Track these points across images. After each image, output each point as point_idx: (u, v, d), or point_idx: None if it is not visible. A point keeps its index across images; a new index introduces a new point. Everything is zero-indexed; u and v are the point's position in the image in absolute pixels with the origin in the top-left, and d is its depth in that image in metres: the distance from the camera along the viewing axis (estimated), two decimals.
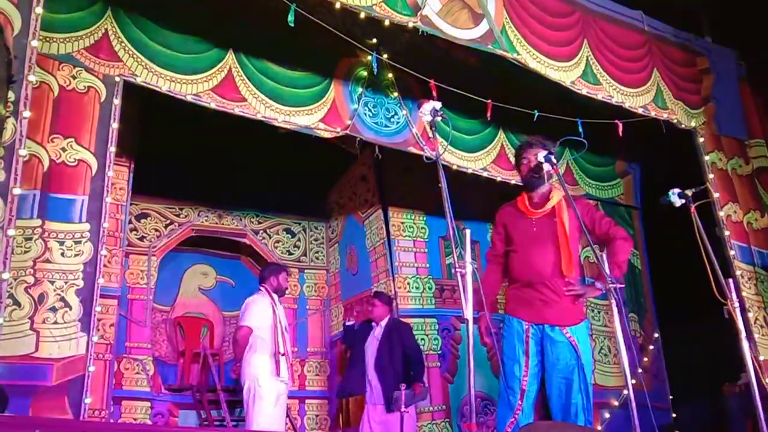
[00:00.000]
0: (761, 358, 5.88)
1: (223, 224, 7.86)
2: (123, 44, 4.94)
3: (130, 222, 7.10)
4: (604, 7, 6.41)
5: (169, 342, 7.49)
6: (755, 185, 6.92)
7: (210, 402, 6.89)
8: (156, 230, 7.46)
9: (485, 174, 6.44)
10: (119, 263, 5.80)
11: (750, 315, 6.07)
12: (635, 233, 7.31)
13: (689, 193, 4.14)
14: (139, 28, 5.04)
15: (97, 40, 4.85)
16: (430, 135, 4.58)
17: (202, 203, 7.77)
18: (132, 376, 6.58)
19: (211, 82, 5.22)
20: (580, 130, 5.73)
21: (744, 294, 6.11)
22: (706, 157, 6.65)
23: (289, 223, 8.29)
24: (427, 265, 7.17)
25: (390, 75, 6.04)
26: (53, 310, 4.19)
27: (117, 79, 4.83)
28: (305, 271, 8.20)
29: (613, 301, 3.42)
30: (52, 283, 4.24)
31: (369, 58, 5.57)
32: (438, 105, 3.50)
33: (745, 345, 3.94)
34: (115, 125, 4.71)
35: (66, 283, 4.28)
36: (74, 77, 4.68)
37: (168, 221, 7.57)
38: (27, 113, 3.92)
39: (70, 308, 4.24)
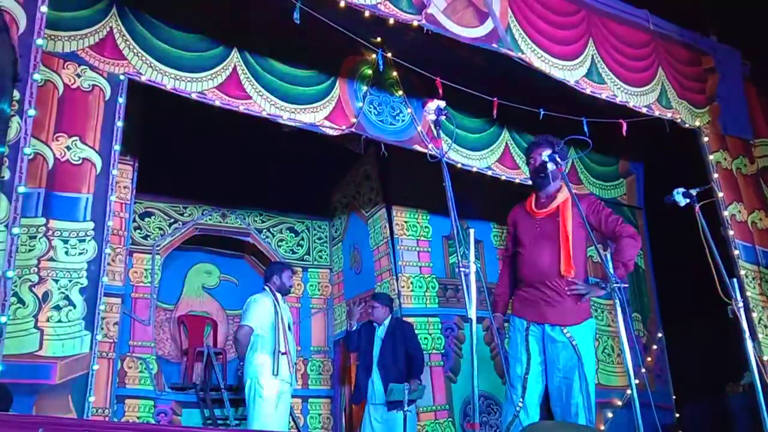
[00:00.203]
0: (765, 357, 5.87)
1: (226, 223, 7.87)
2: (128, 42, 4.94)
3: (134, 220, 7.10)
4: (610, 5, 6.39)
5: (172, 341, 7.50)
6: (760, 185, 6.90)
7: (213, 401, 6.89)
8: (160, 229, 7.46)
9: (489, 173, 6.44)
10: (123, 262, 5.81)
11: (754, 315, 6.07)
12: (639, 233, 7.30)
13: (694, 192, 4.13)
14: (143, 26, 5.05)
15: (102, 38, 4.86)
16: (435, 133, 4.57)
17: (205, 202, 7.77)
18: (135, 374, 6.58)
19: (215, 79, 5.23)
20: (585, 129, 5.72)
21: (748, 294, 6.10)
22: (711, 157, 6.64)
23: (293, 221, 8.28)
24: (431, 265, 7.16)
25: (395, 73, 6.04)
26: (57, 308, 4.20)
27: (122, 77, 4.84)
28: (308, 270, 8.19)
29: (617, 301, 3.41)
30: (56, 281, 4.25)
31: (374, 56, 5.56)
32: (443, 104, 3.49)
33: (748, 345, 3.93)
34: (119, 124, 4.72)
35: (70, 281, 4.29)
36: (79, 75, 4.68)
37: (172, 220, 7.58)
38: (32, 112, 3.92)
39: (74, 307, 4.25)
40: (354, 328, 6.22)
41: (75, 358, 4.16)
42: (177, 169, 7.09)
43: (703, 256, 4.06)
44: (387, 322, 6.04)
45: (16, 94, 3.86)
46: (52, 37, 4.58)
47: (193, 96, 5.09)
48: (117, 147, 4.67)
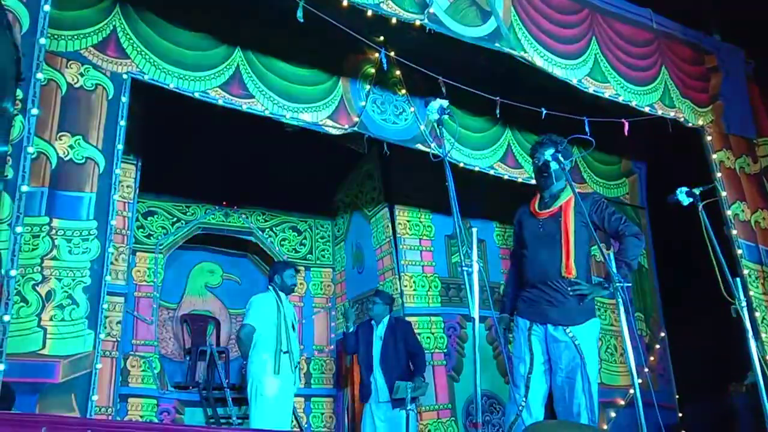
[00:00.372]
0: None
1: (229, 222, 7.88)
2: (131, 41, 4.95)
3: (137, 220, 7.11)
4: (613, 4, 6.38)
5: (175, 339, 7.51)
6: (763, 184, 6.89)
7: (216, 399, 6.90)
8: (163, 228, 7.47)
9: (492, 172, 6.43)
10: (126, 261, 5.81)
11: (757, 314, 6.07)
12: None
13: (697, 191, 4.13)
14: (147, 24, 5.05)
15: (106, 37, 4.87)
16: (438, 133, 4.57)
17: (208, 201, 7.78)
18: (138, 373, 6.58)
19: (218, 78, 5.23)
20: (587, 128, 5.71)
21: (751, 293, 6.09)
22: (714, 156, 6.63)
23: (296, 221, 8.29)
24: (433, 264, 7.15)
25: (398, 72, 6.03)
26: (60, 307, 4.20)
27: (125, 76, 4.84)
28: (311, 269, 8.20)
29: (620, 300, 3.40)
30: (60, 280, 4.25)
31: (376, 55, 5.56)
32: (445, 103, 3.49)
33: (752, 344, 3.93)
34: (122, 123, 4.72)
35: (73, 280, 4.29)
36: (82, 75, 4.69)
37: (175, 219, 7.58)
38: (35, 111, 3.93)
39: (78, 305, 4.26)
40: (351, 330, 6.22)
41: (78, 357, 4.17)
42: (180, 168, 7.10)
43: (706, 255, 4.06)
44: (386, 320, 6.05)
45: (20, 94, 3.87)
46: (56, 36, 4.58)
47: (196, 95, 5.09)
48: (120, 146, 4.68)
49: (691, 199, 4.11)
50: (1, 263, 3.64)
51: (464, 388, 6.66)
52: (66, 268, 4.30)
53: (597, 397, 3.86)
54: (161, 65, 5.02)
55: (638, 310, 7.11)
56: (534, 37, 5.67)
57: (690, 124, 6.59)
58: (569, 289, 3.94)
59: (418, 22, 5.11)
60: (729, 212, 6.41)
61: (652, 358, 6.93)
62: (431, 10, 5.14)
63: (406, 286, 6.87)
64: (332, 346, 7.94)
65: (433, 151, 5.82)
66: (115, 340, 5.47)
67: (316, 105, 5.61)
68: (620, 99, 6.10)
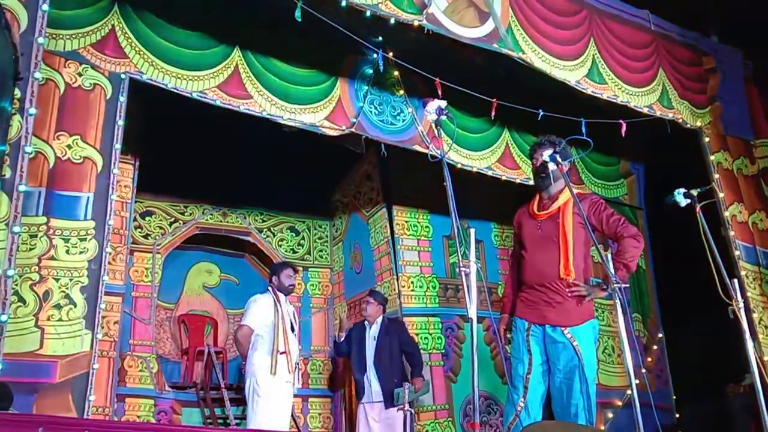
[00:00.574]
0: (765, 358, 5.87)
1: (227, 222, 7.87)
2: (129, 40, 4.94)
3: (135, 219, 7.10)
4: (611, 5, 6.39)
5: (173, 339, 7.50)
6: (761, 185, 6.90)
7: (213, 400, 6.90)
8: (161, 228, 7.46)
9: (490, 173, 6.44)
10: (124, 261, 5.81)
11: (754, 315, 6.07)
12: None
13: (695, 193, 4.13)
14: (145, 24, 5.05)
15: (104, 36, 4.86)
16: (436, 133, 4.57)
17: (206, 201, 7.77)
18: (136, 373, 6.57)
19: (216, 79, 5.23)
20: (583, 130, 5.71)
21: (749, 294, 6.10)
22: (712, 157, 6.63)
23: (294, 221, 8.29)
24: (431, 264, 7.15)
25: (396, 73, 6.03)
26: (58, 307, 4.20)
27: (123, 76, 4.84)
28: (309, 269, 8.20)
29: (617, 301, 3.40)
30: (57, 280, 4.25)
31: (375, 55, 5.56)
32: (443, 104, 3.49)
33: (749, 345, 3.93)
34: (120, 123, 4.72)
35: (71, 280, 4.29)
36: (80, 74, 4.68)
37: (173, 219, 7.58)
38: (33, 110, 3.92)
39: (75, 305, 4.25)
40: (342, 339, 6.22)
41: (75, 357, 4.16)
42: (178, 169, 7.08)
43: (704, 256, 4.06)
44: (379, 320, 6.06)
45: (17, 93, 3.86)
46: (54, 35, 4.58)
47: (194, 95, 5.09)
48: (118, 146, 4.67)
49: (689, 201, 4.12)
50: None
51: (462, 389, 6.66)
52: (63, 268, 4.29)
53: (595, 398, 3.86)
54: (159, 65, 5.02)
55: (636, 311, 7.12)
56: (532, 39, 5.68)
57: (688, 126, 6.60)
58: (568, 290, 3.94)
59: (416, 23, 5.11)
60: (726, 213, 6.42)
61: (649, 359, 6.94)
62: (429, 11, 5.14)
63: (404, 286, 6.86)
64: (330, 347, 7.93)
65: (431, 152, 5.82)
66: (112, 340, 5.47)
67: (313, 106, 5.61)
68: (618, 100, 6.10)
